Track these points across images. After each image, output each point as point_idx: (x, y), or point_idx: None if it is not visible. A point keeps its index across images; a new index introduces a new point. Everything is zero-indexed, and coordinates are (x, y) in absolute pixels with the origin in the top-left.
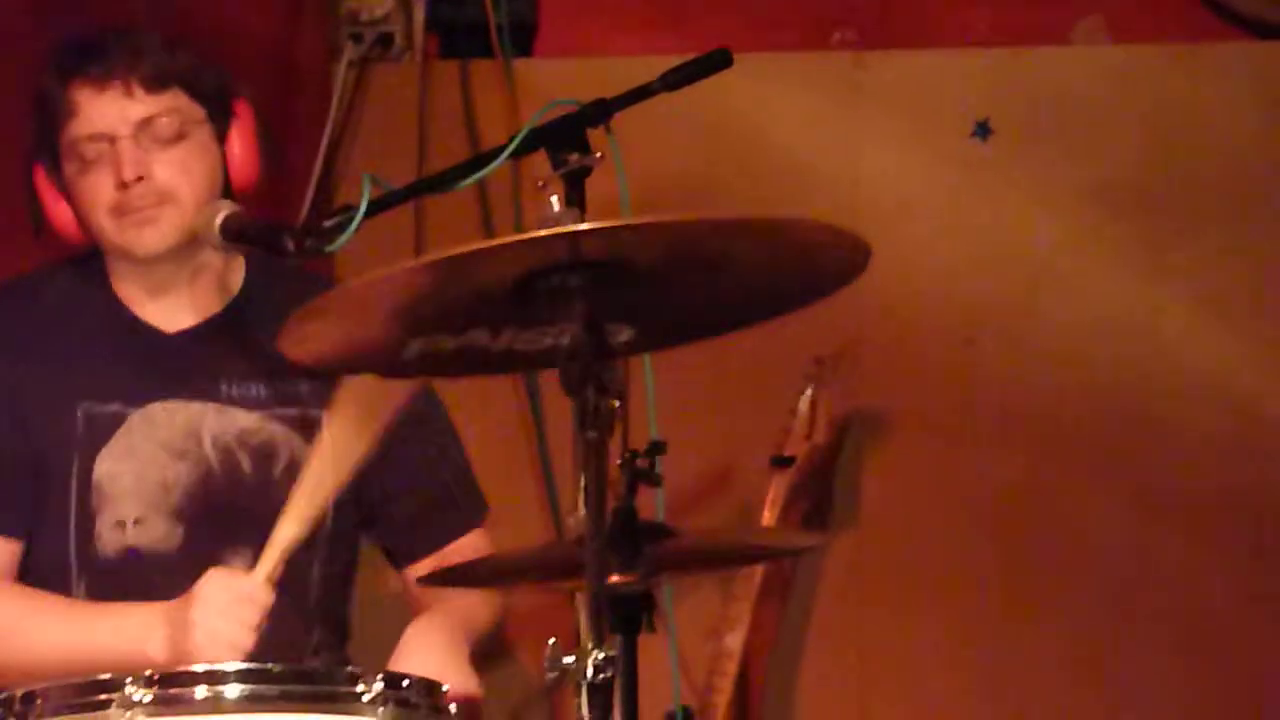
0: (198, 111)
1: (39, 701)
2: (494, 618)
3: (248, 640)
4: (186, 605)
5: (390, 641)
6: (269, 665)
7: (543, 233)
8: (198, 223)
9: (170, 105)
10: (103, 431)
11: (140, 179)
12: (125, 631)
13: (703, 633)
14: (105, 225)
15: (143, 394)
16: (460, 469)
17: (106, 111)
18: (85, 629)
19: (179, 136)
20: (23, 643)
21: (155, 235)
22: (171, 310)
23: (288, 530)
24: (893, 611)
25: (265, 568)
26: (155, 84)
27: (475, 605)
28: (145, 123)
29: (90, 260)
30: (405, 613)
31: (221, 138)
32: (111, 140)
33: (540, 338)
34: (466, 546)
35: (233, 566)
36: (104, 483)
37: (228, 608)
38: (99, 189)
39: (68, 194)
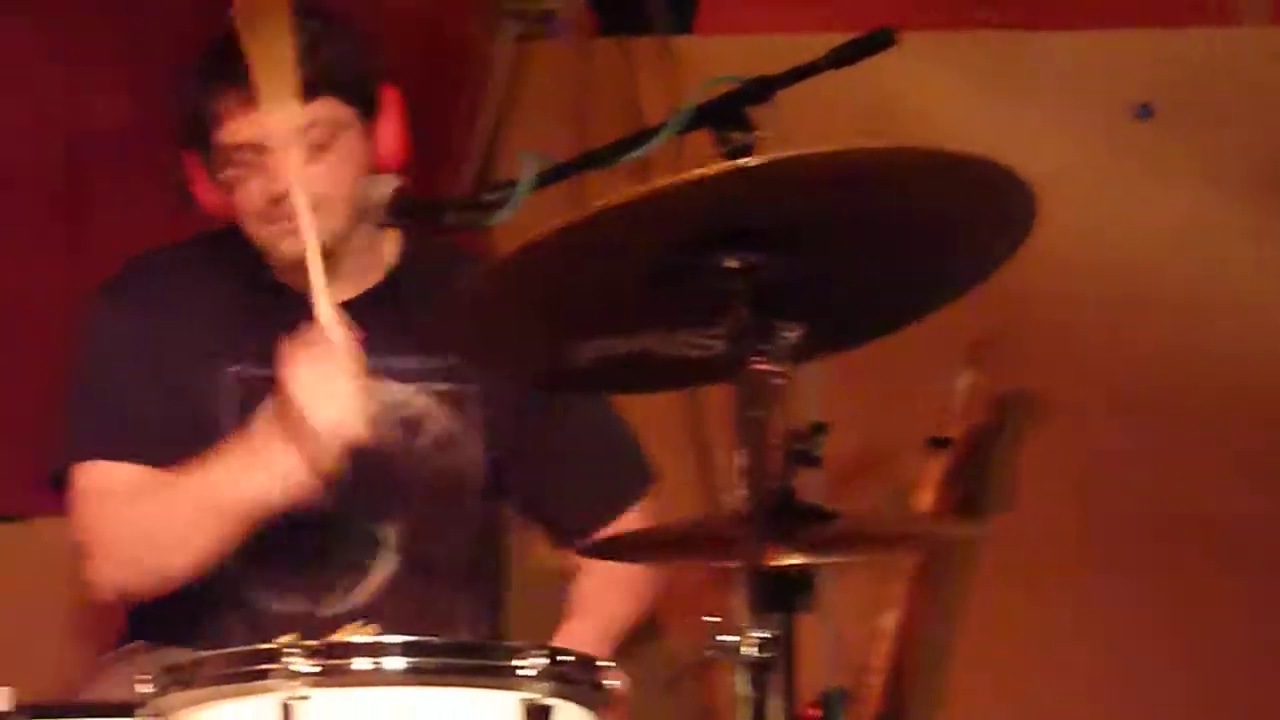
0: (346, 113)
1: (203, 670)
2: (641, 610)
3: (357, 398)
4: (283, 401)
5: (545, 618)
6: (432, 638)
7: (710, 169)
8: (361, 197)
9: (318, 114)
10: (255, 395)
11: (286, 190)
12: (248, 468)
13: (858, 613)
14: (255, 229)
15: None
16: (623, 436)
17: (253, 124)
18: (212, 482)
19: (327, 145)
20: (168, 515)
21: (300, 244)
22: (330, 284)
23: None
24: (1048, 596)
25: (323, 309)
26: (304, 95)
27: (622, 602)
28: (289, 133)
29: (239, 233)
30: (558, 591)
31: (370, 131)
32: (261, 151)
33: (710, 341)
34: (633, 522)
35: (381, 536)
36: None
37: (322, 374)
38: (248, 196)
39: (221, 191)
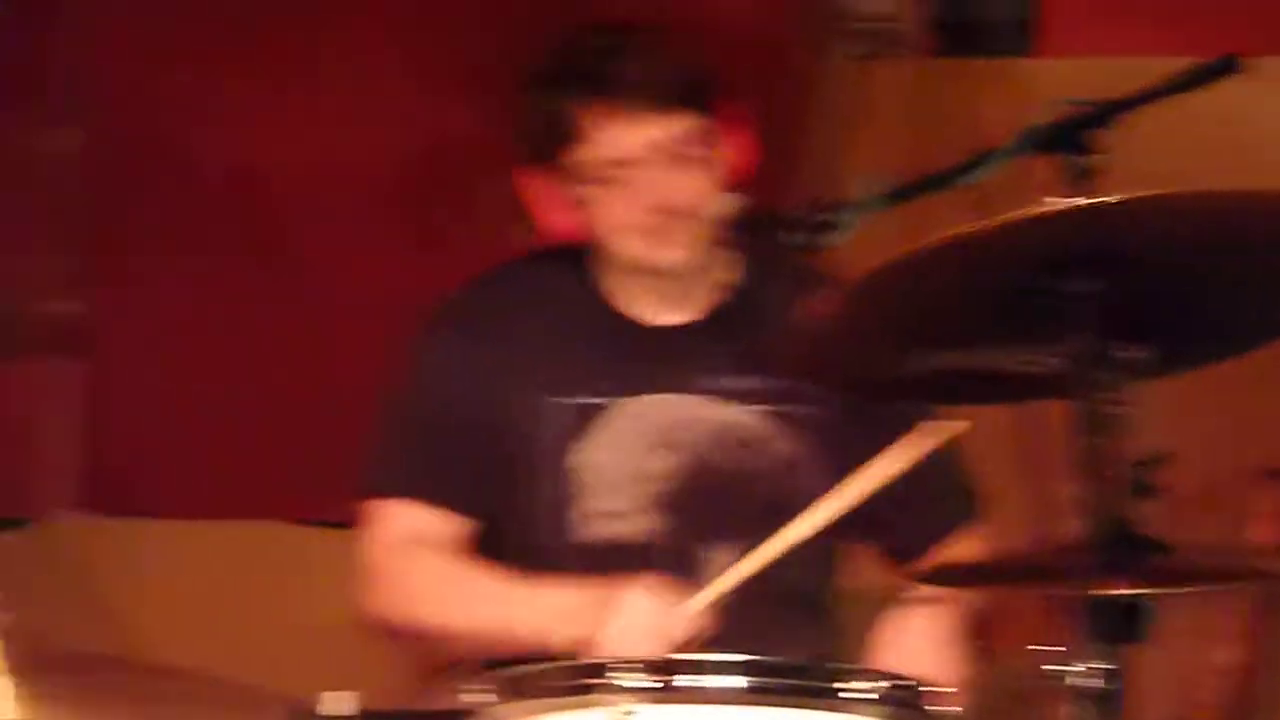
0: (704, 125)
1: (538, 681)
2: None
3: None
4: (605, 607)
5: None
6: (767, 658)
7: (1069, 203)
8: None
9: (681, 126)
10: (583, 421)
11: (661, 202)
12: (539, 612)
13: (1193, 647)
14: (619, 241)
15: (627, 386)
16: (956, 461)
17: (621, 138)
18: (504, 602)
19: (691, 155)
20: (444, 607)
21: (675, 254)
22: (663, 307)
23: (747, 566)
24: None
25: (702, 601)
26: (665, 107)
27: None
28: (660, 146)
29: (574, 253)
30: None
31: (724, 145)
32: (628, 165)
33: (1044, 359)
34: (961, 545)
35: (712, 562)
36: (583, 472)
37: (641, 636)
38: (615, 211)
39: (577, 207)
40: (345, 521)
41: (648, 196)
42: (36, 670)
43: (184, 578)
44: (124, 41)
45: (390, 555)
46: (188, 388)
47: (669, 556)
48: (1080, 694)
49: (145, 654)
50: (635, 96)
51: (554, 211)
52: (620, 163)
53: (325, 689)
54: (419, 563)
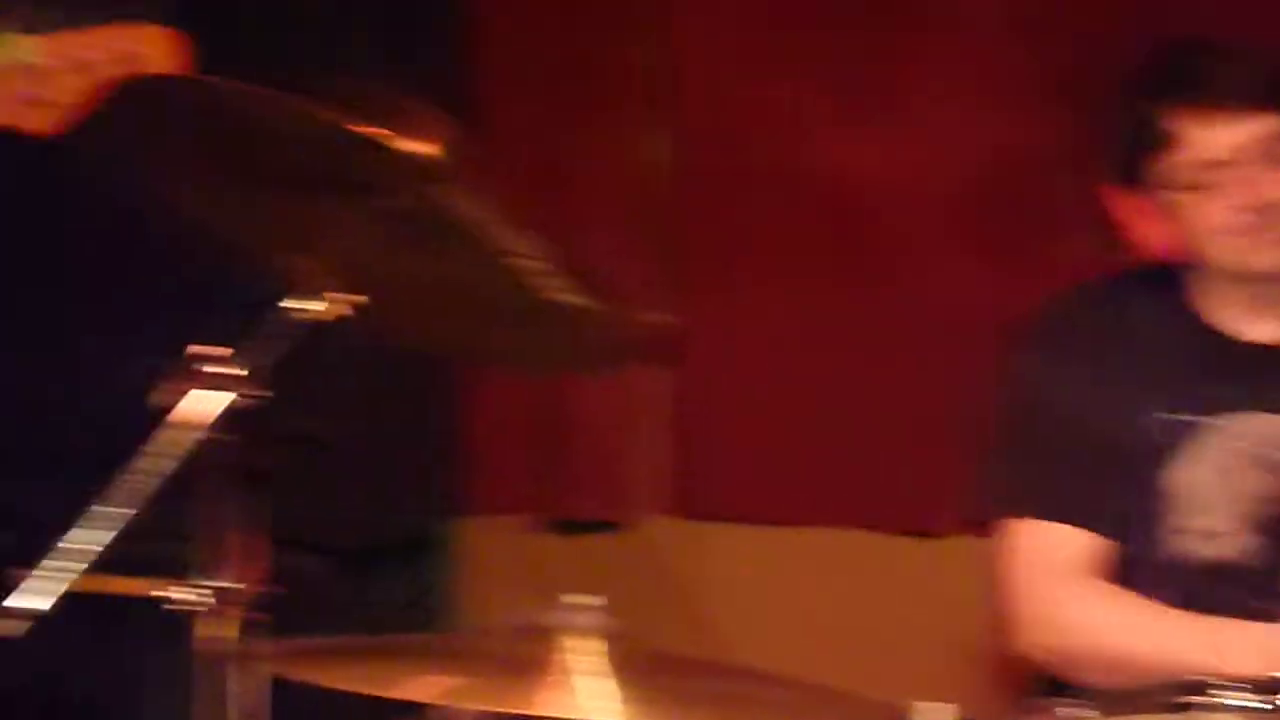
0: None
1: (1129, 698)
2: None
3: None
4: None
5: None
6: None
7: None
8: None
9: (1274, 125)
10: (1178, 439)
11: (1255, 201)
12: (1206, 643)
13: None
14: (1216, 246)
15: (1223, 404)
16: None
17: (1215, 139)
18: (1169, 635)
19: None
20: (1112, 640)
21: (1272, 255)
22: (1261, 321)
23: None
24: None
25: None
26: (1258, 105)
27: None
28: (1258, 145)
29: (1166, 271)
30: None
31: None
32: (1222, 166)
33: None
34: None
35: None
36: (1178, 492)
37: None
38: (1209, 214)
39: (1167, 216)
40: (925, 531)
41: (1242, 197)
42: (637, 672)
43: (767, 582)
44: (711, 47)
45: (1041, 578)
46: (773, 396)
47: (1262, 579)
48: None
49: (732, 657)
50: (1227, 96)
51: (1144, 229)
52: (1214, 164)
53: (912, 699)
54: (1075, 590)
